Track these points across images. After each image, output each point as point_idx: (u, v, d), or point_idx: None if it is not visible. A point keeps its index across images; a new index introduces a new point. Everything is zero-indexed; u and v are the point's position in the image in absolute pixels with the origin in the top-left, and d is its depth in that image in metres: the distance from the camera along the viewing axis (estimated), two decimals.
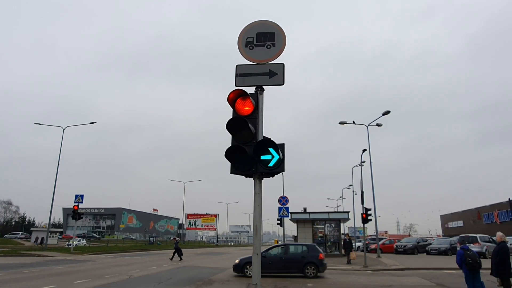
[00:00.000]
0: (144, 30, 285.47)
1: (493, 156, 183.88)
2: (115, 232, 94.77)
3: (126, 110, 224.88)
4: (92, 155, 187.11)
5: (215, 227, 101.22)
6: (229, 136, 4.99)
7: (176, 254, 26.15)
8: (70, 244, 31.22)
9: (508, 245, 10.72)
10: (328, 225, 30.73)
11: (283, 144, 4.88)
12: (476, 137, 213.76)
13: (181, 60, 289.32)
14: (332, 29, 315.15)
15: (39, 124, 37.23)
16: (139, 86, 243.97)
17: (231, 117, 4.94)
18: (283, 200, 24.77)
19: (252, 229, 6.57)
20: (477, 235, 29.23)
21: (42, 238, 41.20)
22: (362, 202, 23.34)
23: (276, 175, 4.98)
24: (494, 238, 10.20)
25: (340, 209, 67.98)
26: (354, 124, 29.92)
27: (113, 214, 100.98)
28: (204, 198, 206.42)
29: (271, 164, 4.71)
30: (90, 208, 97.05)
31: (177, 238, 32.72)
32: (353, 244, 36.62)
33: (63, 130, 36.47)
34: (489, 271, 9.77)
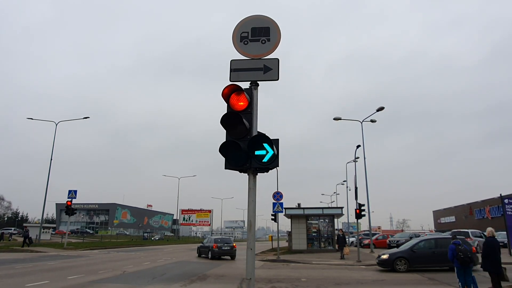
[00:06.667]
0: (184, 33, 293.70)
1: (490, 155, 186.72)
2: (109, 228, 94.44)
3: (148, 110, 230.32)
4: (100, 153, 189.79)
5: (209, 223, 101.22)
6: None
7: (26, 241, 29.60)
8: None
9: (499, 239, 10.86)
10: (322, 220, 30.88)
11: (278, 139, 4.86)
12: (479, 137, 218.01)
13: (214, 62, 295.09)
14: (360, 35, 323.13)
15: (31, 119, 36.83)
16: (167, 88, 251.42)
17: (225, 112, 4.93)
18: (278, 195, 24.80)
19: (246, 225, 6.54)
20: (469, 230, 29.59)
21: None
22: (356, 198, 23.50)
23: (270, 171, 4.98)
24: (485, 233, 10.41)
25: (334, 205, 68.36)
26: (350, 121, 30.09)
27: (107, 209, 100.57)
28: (198, 194, 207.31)
29: (265, 160, 4.69)
30: (84, 204, 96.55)
31: (27, 227, 34.00)
32: (347, 239, 36.84)
33: (56, 125, 36.14)
34: (480, 265, 9.93)
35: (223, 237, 30.97)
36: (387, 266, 16.15)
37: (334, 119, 28.97)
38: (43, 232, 40.52)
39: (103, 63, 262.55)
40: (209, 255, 23.88)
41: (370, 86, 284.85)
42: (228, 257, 24.18)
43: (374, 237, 35.83)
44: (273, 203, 24.84)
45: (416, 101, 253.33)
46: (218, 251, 23.57)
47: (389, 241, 35.32)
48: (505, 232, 22.92)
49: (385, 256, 16.52)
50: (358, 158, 29.09)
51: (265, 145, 4.70)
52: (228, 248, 23.88)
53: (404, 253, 16.36)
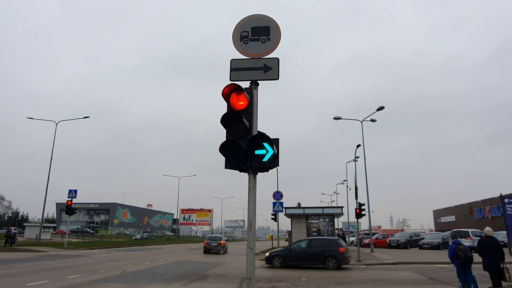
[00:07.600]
0: (189, 33, 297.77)
1: (491, 155, 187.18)
2: (109, 227, 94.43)
3: (151, 109, 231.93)
4: (101, 153, 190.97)
5: (209, 222, 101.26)
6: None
7: (8, 241, 29.29)
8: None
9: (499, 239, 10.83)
10: (322, 220, 30.86)
11: (278, 139, 4.86)
12: (480, 137, 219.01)
13: (218, 62, 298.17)
14: (364, 35, 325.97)
15: (31, 118, 36.82)
16: (171, 88, 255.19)
17: (226, 111, 4.92)
18: (278, 195, 24.81)
19: (246, 224, 6.52)
20: (469, 230, 29.61)
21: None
22: (356, 197, 23.50)
23: (270, 170, 4.97)
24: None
25: (334, 204, 68.36)
26: (352, 120, 30.15)
27: (107, 209, 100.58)
28: (199, 193, 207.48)
29: (265, 159, 4.68)
30: (84, 203, 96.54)
31: (10, 227, 33.62)
32: (347, 238, 36.79)
33: (56, 124, 36.15)
34: (481, 265, 9.92)
35: (215, 235, 36.21)
36: (268, 262, 18.05)
37: (334, 118, 29.01)
38: (43, 231, 40.52)
39: (107, 64, 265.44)
40: (203, 250, 29.10)
41: (373, 86, 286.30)
42: (221, 252, 28.41)
43: (374, 237, 35.81)
44: (273, 202, 24.88)
45: (419, 101, 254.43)
46: (208, 246, 28.62)
47: (389, 240, 35.32)
48: (505, 232, 22.93)
49: (267, 254, 18.70)
50: (358, 157, 29.13)
51: (265, 144, 4.69)
52: (216, 244, 28.65)
53: (281, 252, 18.55)
